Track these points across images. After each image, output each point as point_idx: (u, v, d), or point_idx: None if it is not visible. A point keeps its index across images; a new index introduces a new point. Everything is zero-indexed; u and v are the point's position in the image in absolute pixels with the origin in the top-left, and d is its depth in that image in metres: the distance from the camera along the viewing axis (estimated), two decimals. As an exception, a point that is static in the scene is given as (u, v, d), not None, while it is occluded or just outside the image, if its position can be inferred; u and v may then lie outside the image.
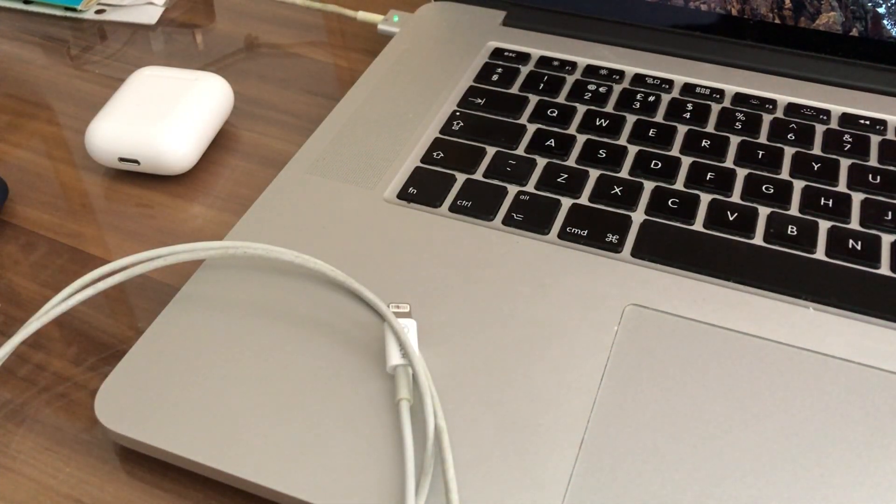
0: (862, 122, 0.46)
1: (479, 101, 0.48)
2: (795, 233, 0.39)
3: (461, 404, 0.32)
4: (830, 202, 0.41)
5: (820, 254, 0.39)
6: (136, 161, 0.45)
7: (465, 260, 0.38)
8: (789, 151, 0.45)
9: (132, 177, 0.47)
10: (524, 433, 0.31)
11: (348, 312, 0.36)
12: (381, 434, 0.31)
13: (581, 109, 0.48)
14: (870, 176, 0.43)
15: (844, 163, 0.44)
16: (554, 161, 0.44)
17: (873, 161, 0.44)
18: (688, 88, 0.49)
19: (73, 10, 0.62)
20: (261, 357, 0.34)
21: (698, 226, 0.40)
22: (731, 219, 0.40)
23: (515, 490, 0.30)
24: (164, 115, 0.45)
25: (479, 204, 0.41)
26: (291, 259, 0.35)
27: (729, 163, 0.44)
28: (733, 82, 0.49)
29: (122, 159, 0.45)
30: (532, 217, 0.40)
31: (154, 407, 0.32)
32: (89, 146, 0.45)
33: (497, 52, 0.52)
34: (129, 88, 0.47)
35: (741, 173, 0.43)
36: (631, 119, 0.47)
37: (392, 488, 0.29)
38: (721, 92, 0.49)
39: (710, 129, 0.46)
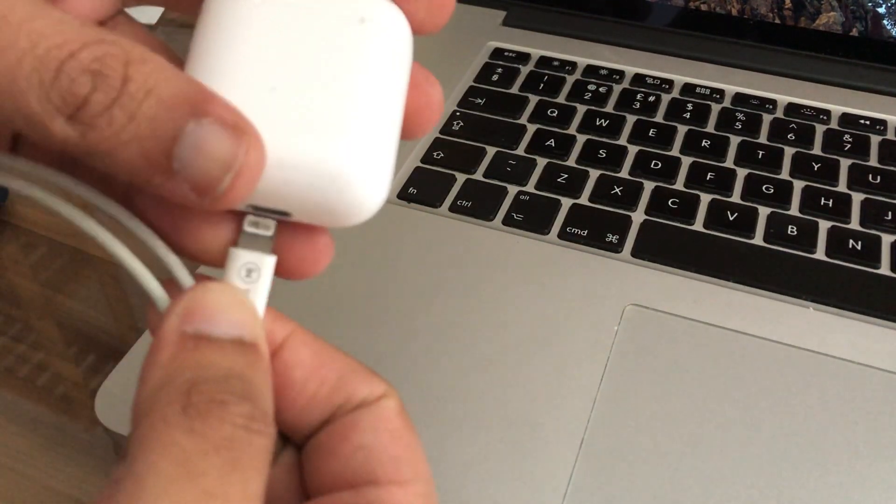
0: (862, 122, 0.46)
1: (480, 101, 0.48)
2: (795, 233, 0.39)
3: (461, 404, 0.32)
4: (830, 202, 0.41)
5: (820, 254, 0.39)
6: (285, 213, 0.19)
7: (465, 260, 0.38)
8: (789, 151, 0.45)
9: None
10: (524, 433, 0.31)
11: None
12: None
13: (581, 109, 0.48)
14: (870, 176, 0.43)
15: (844, 163, 0.44)
16: (554, 161, 0.44)
17: (873, 161, 0.44)
18: (688, 88, 0.49)
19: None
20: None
21: (698, 226, 0.40)
22: (731, 219, 0.40)
23: (515, 490, 0.30)
24: (337, 109, 0.18)
25: (479, 204, 0.41)
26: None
27: (729, 163, 0.44)
28: (733, 82, 0.49)
29: (256, 209, 0.19)
30: (532, 217, 0.40)
31: (154, 407, 0.32)
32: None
33: (497, 52, 0.52)
34: (233, 28, 0.18)
35: (741, 173, 0.43)
36: (631, 119, 0.47)
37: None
38: (721, 92, 0.49)
39: (710, 129, 0.46)
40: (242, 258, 0.19)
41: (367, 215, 0.19)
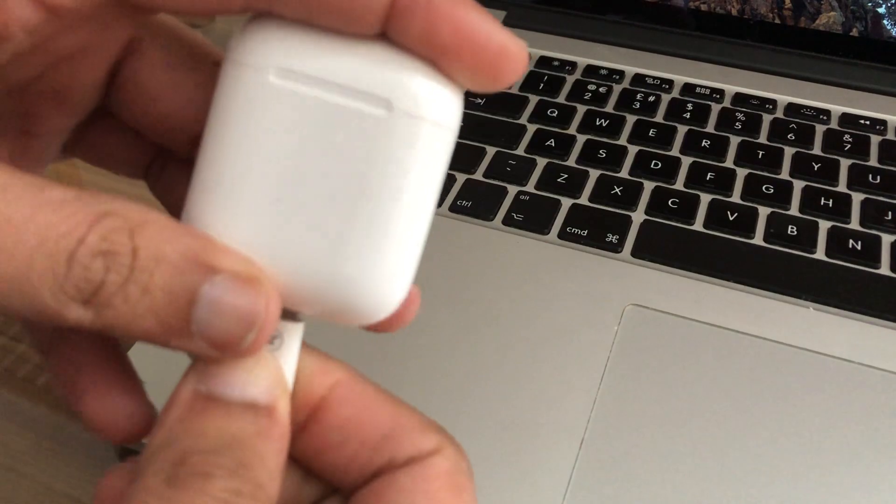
0: (862, 122, 0.46)
1: (479, 100, 0.48)
2: (795, 233, 0.39)
3: (461, 404, 0.32)
4: (830, 202, 0.41)
5: (820, 254, 0.39)
6: (294, 317, 0.19)
7: (465, 260, 0.38)
8: (789, 151, 0.45)
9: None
10: (524, 433, 0.31)
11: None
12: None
13: (581, 109, 0.48)
14: (870, 176, 0.43)
15: (844, 163, 0.44)
16: (554, 161, 0.44)
17: (873, 161, 0.44)
18: (688, 88, 0.49)
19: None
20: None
21: (698, 226, 0.40)
22: (731, 219, 0.40)
23: (515, 490, 0.30)
24: (345, 216, 0.17)
25: (479, 204, 0.41)
26: None
27: (729, 163, 0.44)
28: (733, 82, 0.49)
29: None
30: (532, 217, 0.40)
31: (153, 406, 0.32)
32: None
33: (497, 52, 0.52)
34: (243, 124, 0.17)
35: (741, 173, 0.43)
36: (631, 119, 0.47)
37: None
38: (721, 92, 0.49)
39: (710, 129, 0.46)
40: None
41: (384, 315, 0.18)
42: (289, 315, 0.18)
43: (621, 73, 0.50)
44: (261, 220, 0.17)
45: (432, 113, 0.16)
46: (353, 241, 0.17)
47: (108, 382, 0.19)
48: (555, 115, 0.47)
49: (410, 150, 0.16)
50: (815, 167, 0.43)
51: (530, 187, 0.42)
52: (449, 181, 0.42)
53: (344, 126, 0.16)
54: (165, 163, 0.22)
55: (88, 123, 0.21)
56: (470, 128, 0.46)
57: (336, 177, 0.17)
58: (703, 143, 0.45)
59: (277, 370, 0.17)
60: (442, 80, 0.16)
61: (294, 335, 0.18)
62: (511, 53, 0.16)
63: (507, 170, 0.43)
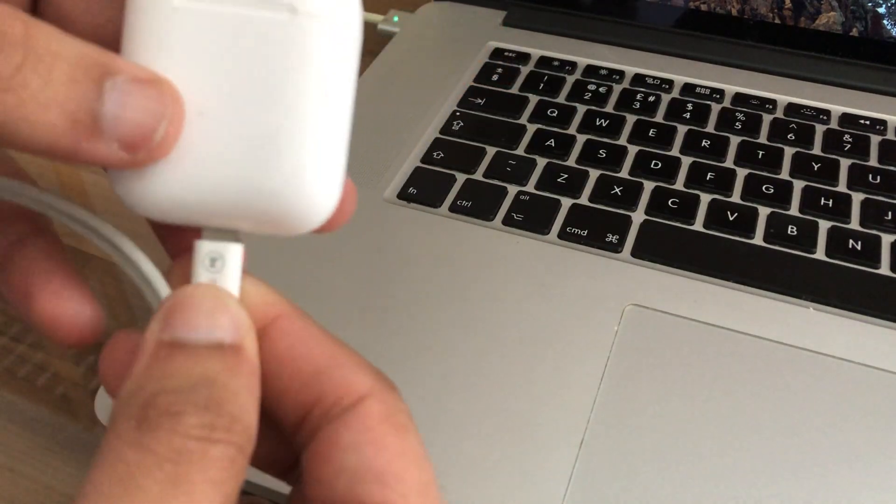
0: (862, 122, 0.46)
1: (480, 101, 0.48)
2: (795, 233, 0.39)
3: (461, 404, 0.32)
4: (830, 202, 0.41)
5: (820, 254, 0.39)
6: (234, 237, 0.19)
7: (465, 260, 0.38)
8: (789, 151, 0.45)
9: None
10: (524, 433, 0.31)
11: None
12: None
13: (581, 109, 0.48)
14: (870, 176, 0.43)
15: (844, 163, 0.44)
16: (554, 161, 0.44)
17: (873, 161, 0.44)
18: (688, 88, 0.49)
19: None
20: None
21: (698, 226, 0.40)
22: (731, 219, 0.40)
23: (515, 490, 0.30)
24: (266, 122, 0.17)
25: (479, 204, 0.41)
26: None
27: (729, 163, 0.44)
28: (733, 82, 0.49)
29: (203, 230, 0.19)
30: (532, 217, 0.40)
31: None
32: (130, 199, 0.18)
33: (497, 52, 0.52)
34: (156, 41, 0.18)
35: (741, 173, 0.43)
36: (631, 119, 0.47)
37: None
38: (721, 92, 0.49)
39: (710, 129, 0.46)
40: (205, 248, 0.18)
41: (322, 218, 0.18)
42: (227, 235, 0.18)
43: (621, 73, 0.50)
44: (186, 138, 0.17)
45: (334, 10, 0.17)
46: (276, 149, 0.17)
47: (58, 286, 0.19)
48: (555, 115, 0.47)
49: (318, 50, 0.17)
50: (815, 167, 0.43)
51: (530, 187, 0.42)
52: (449, 181, 0.42)
53: (252, 36, 0.17)
54: None
55: None
56: (470, 128, 0.46)
57: (252, 87, 0.17)
58: (703, 143, 0.45)
59: (239, 307, 0.17)
60: None
61: (234, 256, 0.18)
62: None
63: (507, 170, 0.43)
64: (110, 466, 0.15)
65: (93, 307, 0.19)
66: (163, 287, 0.18)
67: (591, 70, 0.51)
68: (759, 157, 0.44)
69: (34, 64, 0.15)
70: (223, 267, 0.18)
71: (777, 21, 0.51)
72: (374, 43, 0.59)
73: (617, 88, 0.49)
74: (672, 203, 0.41)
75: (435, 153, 0.44)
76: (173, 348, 0.16)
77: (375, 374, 0.18)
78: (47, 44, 0.15)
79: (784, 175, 0.43)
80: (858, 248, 0.39)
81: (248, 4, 0.17)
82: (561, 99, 0.48)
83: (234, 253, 0.18)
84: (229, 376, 0.16)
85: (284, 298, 0.19)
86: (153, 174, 0.17)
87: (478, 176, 0.43)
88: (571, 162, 0.44)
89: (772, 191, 0.42)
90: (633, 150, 0.45)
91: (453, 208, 0.41)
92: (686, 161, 0.44)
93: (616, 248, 0.39)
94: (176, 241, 0.20)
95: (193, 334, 0.16)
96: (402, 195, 0.42)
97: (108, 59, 0.16)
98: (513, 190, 0.42)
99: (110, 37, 0.19)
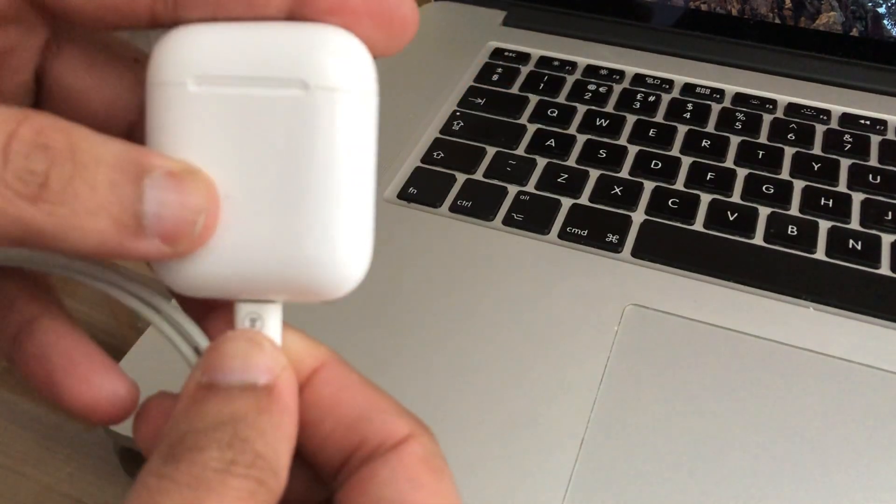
0: (862, 122, 0.46)
1: (480, 101, 0.48)
2: (795, 233, 0.39)
3: (461, 404, 0.32)
4: (830, 202, 0.41)
5: (820, 254, 0.39)
6: (270, 301, 0.19)
7: (465, 260, 0.38)
8: (789, 151, 0.45)
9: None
10: (525, 433, 0.31)
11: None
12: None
13: (581, 109, 0.48)
14: (870, 176, 0.43)
15: (844, 163, 0.44)
16: (554, 161, 0.44)
17: (873, 161, 0.44)
18: (688, 88, 0.49)
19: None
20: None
21: (698, 226, 0.40)
22: (731, 219, 0.40)
23: (516, 490, 0.30)
24: (292, 201, 0.18)
25: (479, 204, 0.41)
26: None
27: (729, 163, 0.44)
28: (733, 82, 0.49)
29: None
30: (532, 217, 0.40)
31: (154, 407, 0.32)
32: (168, 281, 0.18)
33: (497, 52, 0.52)
34: (181, 148, 0.18)
35: (741, 173, 0.43)
36: (631, 119, 0.47)
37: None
38: (721, 92, 0.49)
39: (710, 129, 0.46)
40: (244, 310, 0.18)
41: (353, 285, 0.19)
42: (258, 303, 0.19)
43: (621, 73, 0.50)
44: (220, 222, 0.17)
45: (346, 81, 0.17)
46: (304, 223, 0.17)
47: (86, 370, 0.19)
48: (555, 115, 0.47)
49: (334, 122, 0.17)
50: (816, 167, 0.43)
51: (530, 187, 0.42)
52: (449, 181, 0.42)
53: (269, 114, 0.17)
54: None
55: None
56: (470, 128, 0.46)
57: (274, 164, 0.17)
58: (704, 143, 0.45)
59: (274, 350, 0.18)
60: (350, 48, 0.17)
61: (273, 314, 0.18)
62: (410, 12, 0.18)
63: (507, 170, 0.43)
64: (135, 494, 0.15)
65: (125, 383, 0.20)
66: (203, 340, 0.19)
67: (591, 70, 0.51)
68: (760, 157, 0.44)
69: (81, 173, 0.15)
70: (263, 326, 0.18)
71: (777, 21, 0.51)
72: (374, 43, 0.59)
73: (617, 88, 0.49)
74: (672, 203, 0.41)
75: (435, 153, 0.44)
76: (209, 391, 0.17)
77: (414, 419, 0.18)
78: (90, 149, 0.15)
79: (784, 175, 0.43)
80: (858, 248, 0.39)
81: (261, 85, 0.17)
82: (561, 99, 0.48)
83: (272, 312, 0.18)
84: (257, 415, 0.16)
85: (324, 346, 0.19)
86: (192, 258, 0.17)
87: (478, 176, 0.43)
88: (571, 162, 0.44)
89: (772, 191, 0.42)
90: (633, 150, 0.45)
91: (453, 208, 0.41)
92: (686, 161, 0.44)
93: (616, 248, 0.39)
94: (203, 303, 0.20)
95: (228, 377, 0.17)
96: (403, 195, 0.42)
97: (141, 155, 0.16)
98: (513, 190, 0.42)
99: (119, 112, 0.19)
